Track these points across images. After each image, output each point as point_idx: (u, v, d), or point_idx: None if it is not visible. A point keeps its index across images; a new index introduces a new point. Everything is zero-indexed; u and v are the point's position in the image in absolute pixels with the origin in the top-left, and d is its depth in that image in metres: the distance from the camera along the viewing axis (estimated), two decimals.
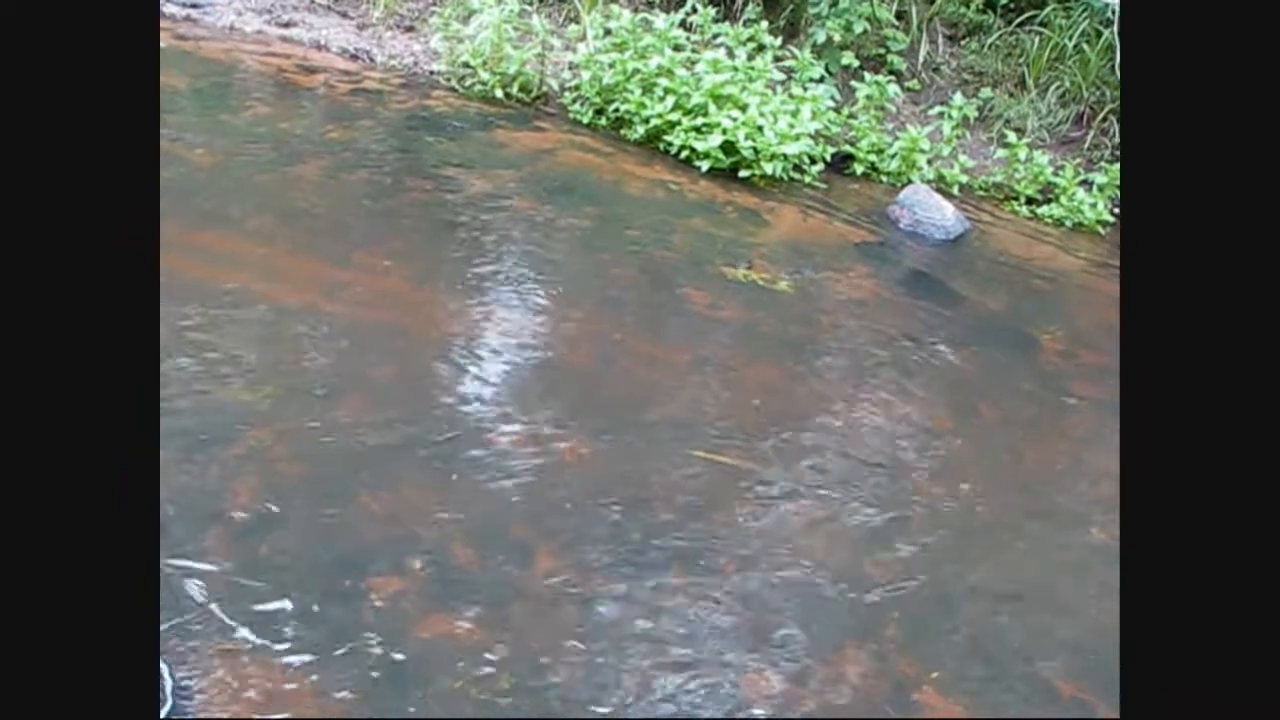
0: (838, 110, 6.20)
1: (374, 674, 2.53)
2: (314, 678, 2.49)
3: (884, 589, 3.12)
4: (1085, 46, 6.68)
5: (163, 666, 2.38)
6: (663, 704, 2.62)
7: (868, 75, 6.33)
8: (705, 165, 5.63)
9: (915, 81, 6.81)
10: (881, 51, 6.76)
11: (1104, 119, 6.51)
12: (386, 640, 2.62)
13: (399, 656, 2.59)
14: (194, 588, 2.65)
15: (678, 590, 2.96)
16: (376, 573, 2.81)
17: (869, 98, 6.25)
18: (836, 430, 3.81)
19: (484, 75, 6.15)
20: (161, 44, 6.28)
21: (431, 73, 6.38)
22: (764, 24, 6.45)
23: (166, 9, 6.75)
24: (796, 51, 6.30)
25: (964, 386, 4.26)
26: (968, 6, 7.17)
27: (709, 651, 2.79)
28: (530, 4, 6.80)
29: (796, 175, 5.80)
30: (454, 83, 6.25)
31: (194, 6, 6.80)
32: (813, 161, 5.88)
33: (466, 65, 6.24)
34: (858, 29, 6.40)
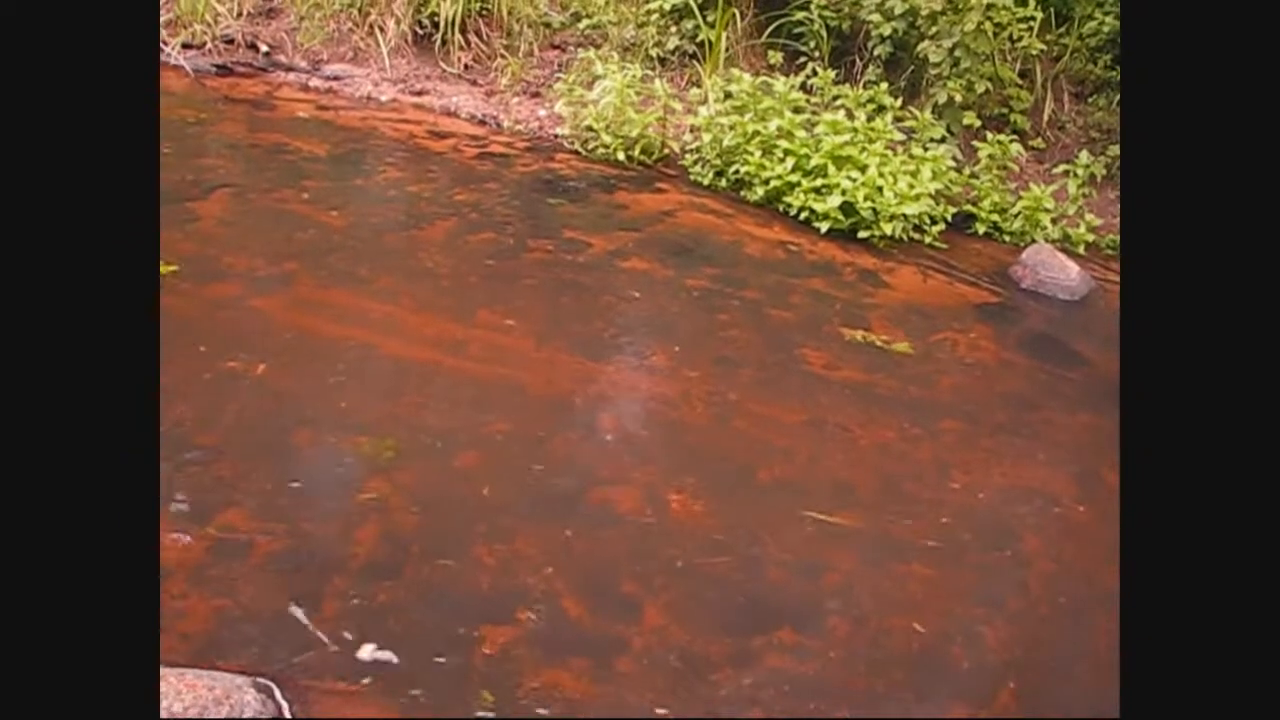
0: (959, 170, 6.16)
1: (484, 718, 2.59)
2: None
3: (999, 655, 3.06)
4: None
5: (282, 702, 2.48)
6: None
7: (990, 135, 6.28)
8: (824, 226, 5.65)
9: (1040, 140, 6.73)
10: (1005, 110, 6.70)
11: None
12: (496, 687, 2.67)
13: (508, 703, 2.63)
14: (315, 629, 2.75)
15: (786, 649, 2.95)
16: (489, 622, 2.87)
17: (991, 157, 6.20)
18: (955, 494, 3.75)
19: (606, 138, 6.31)
20: (304, 114, 6.62)
21: (556, 136, 6.57)
22: (884, 85, 6.47)
23: (310, 81, 7.11)
24: (917, 112, 6.30)
25: (1087, 452, 4.15)
26: (1095, 63, 7.07)
27: (815, 712, 2.76)
28: (653, 69, 6.97)
29: (916, 236, 5.78)
30: (577, 146, 6.42)
31: (335, 79, 7.15)
32: (933, 222, 5.84)
33: (590, 129, 6.40)
34: (980, 89, 6.35)
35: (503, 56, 7.32)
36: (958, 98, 6.33)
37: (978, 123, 6.42)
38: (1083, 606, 3.31)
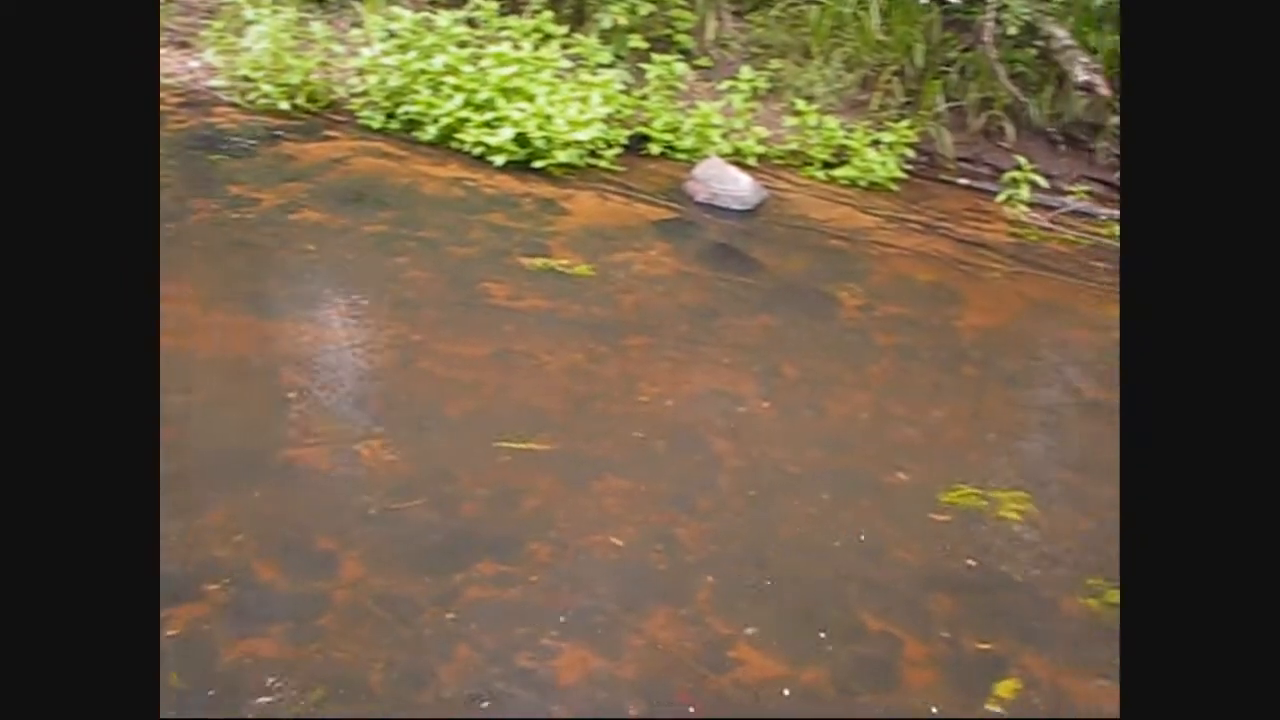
0: (629, 93, 6.26)
1: (182, 698, 2.46)
2: None
3: (695, 553, 3.19)
4: (861, 13, 6.90)
5: None
6: (477, 690, 2.62)
7: (656, 56, 6.41)
8: (500, 160, 5.62)
9: (705, 59, 6.91)
10: (669, 31, 6.84)
11: (887, 81, 6.72)
12: (185, 666, 2.55)
13: (198, 681, 2.52)
14: None
15: (488, 581, 2.96)
16: (174, 601, 2.73)
17: (659, 78, 6.32)
18: (644, 406, 3.86)
19: (266, 87, 6.00)
20: None
21: (211, 89, 6.18)
22: (549, 14, 6.46)
23: None
24: (583, 38, 6.34)
25: (767, 350, 4.36)
26: None
27: (521, 637, 2.80)
28: (309, 10, 6.66)
29: (593, 161, 5.84)
30: (236, 98, 6.07)
31: None
32: (608, 146, 5.92)
33: (247, 78, 6.07)
34: (644, 11, 6.46)
35: None
36: (622, 21, 6.41)
37: (644, 45, 6.52)
38: (771, 494, 3.49)
